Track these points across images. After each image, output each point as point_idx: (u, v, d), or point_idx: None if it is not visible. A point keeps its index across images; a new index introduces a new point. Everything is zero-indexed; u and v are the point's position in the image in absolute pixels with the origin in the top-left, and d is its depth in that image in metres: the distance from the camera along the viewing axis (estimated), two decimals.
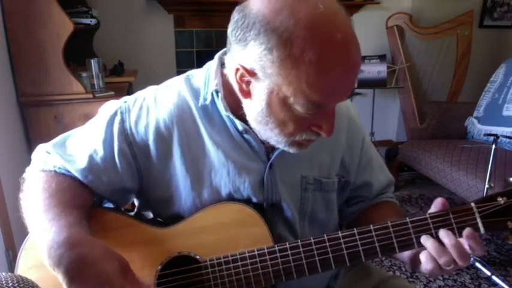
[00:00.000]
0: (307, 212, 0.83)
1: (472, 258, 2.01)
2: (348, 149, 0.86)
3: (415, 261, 0.72)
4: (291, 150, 0.71)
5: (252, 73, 0.64)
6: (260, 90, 0.64)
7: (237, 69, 0.66)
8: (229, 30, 0.66)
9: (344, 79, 0.61)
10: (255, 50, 0.61)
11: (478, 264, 1.99)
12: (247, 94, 0.68)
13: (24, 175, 0.78)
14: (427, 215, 0.69)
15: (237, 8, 0.64)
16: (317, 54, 0.58)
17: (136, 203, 0.87)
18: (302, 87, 0.60)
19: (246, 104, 0.70)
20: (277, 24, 0.58)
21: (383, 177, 0.92)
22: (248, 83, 0.66)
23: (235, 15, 0.64)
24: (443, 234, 0.67)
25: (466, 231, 0.66)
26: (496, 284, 1.90)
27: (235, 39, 0.64)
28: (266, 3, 0.60)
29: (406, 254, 0.74)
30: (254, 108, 0.68)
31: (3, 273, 0.59)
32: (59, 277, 0.60)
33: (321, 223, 0.85)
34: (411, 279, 1.95)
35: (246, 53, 0.62)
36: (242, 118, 0.73)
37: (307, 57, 0.58)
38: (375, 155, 0.92)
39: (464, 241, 0.65)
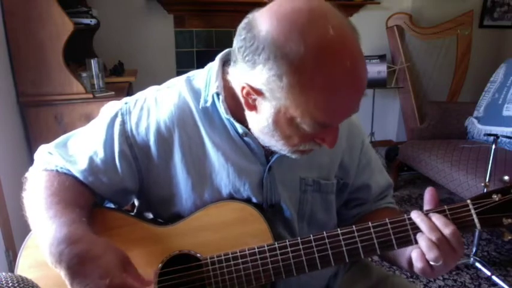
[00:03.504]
0: (306, 213, 0.83)
1: (472, 259, 2.01)
2: (347, 150, 0.86)
3: (411, 263, 0.72)
4: (293, 156, 0.72)
5: (259, 93, 0.64)
6: (267, 108, 0.65)
7: (243, 87, 0.66)
8: (235, 45, 0.65)
9: (351, 101, 0.63)
10: (263, 74, 0.61)
11: (478, 264, 2.00)
12: (253, 108, 0.68)
13: (26, 175, 0.78)
14: (425, 212, 0.70)
15: (244, 24, 0.63)
16: (326, 81, 0.58)
17: (136, 203, 0.87)
18: (310, 111, 0.61)
19: (250, 115, 0.70)
20: (287, 51, 0.57)
21: (382, 179, 0.92)
22: (254, 99, 0.66)
23: (242, 33, 0.63)
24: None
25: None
26: (496, 284, 1.90)
27: (243, 59, 0.63)
28: (275, 25, 0.59)
29: (405, 256, 0.74)
30: (260, 122, 0.68)
31: (3, 273, 0.59)
32: (61, 273, 0.61)
33: (319, 224, 0.86)
34: (411, 279, 1.96)
35: (254, 74, 0.62)
36: (242, 121, 0.74)
37: (316, 83, 0.58)
38: (374, 158, 0.92)
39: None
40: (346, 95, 0.61)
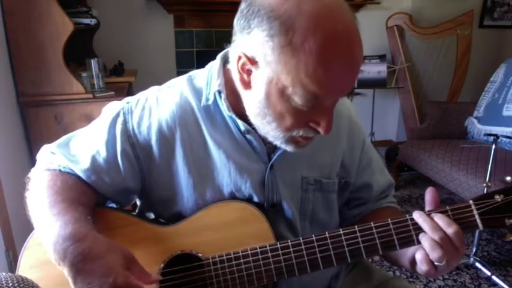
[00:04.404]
0: (307, 212, 0.83)
1: (472, 259, 2.01)
2: (348, 150, 0.86)
3: (413, 263, 0.72)
4: (288, 148, 0.71)
5: (253, 61, 0.64)
6: (260, 80, 0.64)
7: (239, 58, 0.66)
8: (235, 21, 0.66)
9: (343, 73, 0.61)
10: (257, 36, 0.61)
11: (478, 264, 2.00)
12: (247, 85, 0.68)
13: (29, 175, 0.78)
14: (427, 212, 0.70)
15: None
16: (318, 44, 0.58)
17: (138, 203, 0.87)
18: (300, 77, 0.60)
19: (245, 96, 0.70)
20: (281, 12, 0.59)
21: (383, 179, 0.92)
22: (249, 72, 0.66)
23: (242, 5, 0.65)
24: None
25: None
26: (496, 284, 1.90)
27: (240, 28, 0.64)
28: None
29: (407, 256, 0.74)
30: (253, 99, 0.67)
31: (3, 273, 0.59)
32: (65, 271, 0.61)
33: (321, 223, 0.86)
34: (411, 280, 1.96)
35: (249, 40, 0.63)
36: (244, 118, 0.73)
37: (307, 46, 0.58)
38: (375, 157, 0.92)
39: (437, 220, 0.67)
40: (338, 63, 0.60)
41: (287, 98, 0.63)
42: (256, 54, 0.63)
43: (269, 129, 0.69)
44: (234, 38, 0.68)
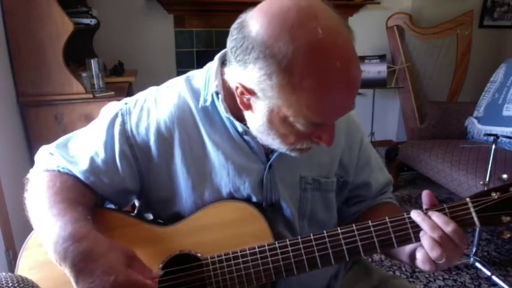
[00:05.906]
0: (306, 211, 0.83)
1: (472, 259, 2.01)
2: (346, 149, 0.86)
3: (413, 258, 0.72)
4: (293, 154, 0.72)
5: (251, 92, 0.64)
6: (260, 107, 0.65)
7: (237, 87, 0.66)
8: (228, 45, 0.65)
9: (344, 100, 0.62)
10: (254, 74, 0.61)
11: (478, 264, 2.00)
12: (248, 107, 0.68)
13: (28, 175, 0.78)
14: (424, 211, 0.70)
15: (235, 25, 0.64)
16: (317, 81, 0.58)
17: (137, 204, 0.87)
18: (302, 111, 0.61)
19: (247, 114, 0.71)
20: (276, 51, 0.57)
21: (381, 177, 0.92)
22: (249, 98, 0.67)
23: (234, 33, 0.63)
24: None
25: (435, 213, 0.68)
26: (496, 284, 1.90)
27: (235, 59, 0.63)
28: (265, 27, 0.59)
29: (405, 254, 0.74)
30: (255, 121, 0.68)
31: (3, 273, 0.60)
32: (66, 271, 0.61)
33: (320, 223, 0.86)
34: (411, 279, 1.96)
35: (246, 74, 0.62)
36: (242, 119, 0.74)
37: (306, 84, 0.58)
38: (374, 156, 0.92)
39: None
40: (338, 94, 0.60)
41: (289, 124, 0.64)
42: (254, 88, 0.63)
43: (273, 143, 0.70)
44: (229, 58, 0.67)
